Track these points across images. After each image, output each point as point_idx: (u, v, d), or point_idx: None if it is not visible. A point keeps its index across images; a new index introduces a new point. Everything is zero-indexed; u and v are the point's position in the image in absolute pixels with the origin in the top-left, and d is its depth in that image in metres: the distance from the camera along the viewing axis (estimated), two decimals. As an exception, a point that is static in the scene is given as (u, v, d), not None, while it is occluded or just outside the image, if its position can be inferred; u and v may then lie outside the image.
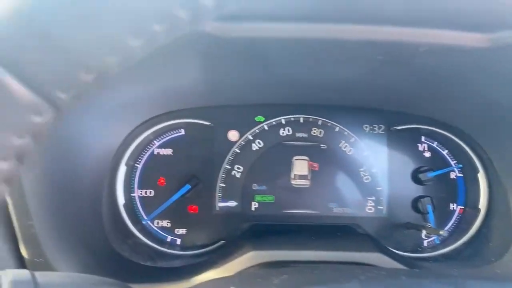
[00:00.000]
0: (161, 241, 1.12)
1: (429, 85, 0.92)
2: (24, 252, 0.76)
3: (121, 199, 1.10)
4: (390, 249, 1.02)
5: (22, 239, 0.75)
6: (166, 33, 0.32)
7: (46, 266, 0.76)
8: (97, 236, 0.95)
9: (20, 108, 0.30)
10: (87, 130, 0.89)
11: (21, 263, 0.76)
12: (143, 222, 1.13)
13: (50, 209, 0.79)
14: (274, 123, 1.17)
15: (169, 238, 1.13)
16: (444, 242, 1.16)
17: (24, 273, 0.55)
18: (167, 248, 1.11)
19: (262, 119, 1.17)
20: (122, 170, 1.10)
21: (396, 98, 1.07)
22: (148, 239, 1.11)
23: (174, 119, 1.13)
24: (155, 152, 1.14)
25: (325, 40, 0.65)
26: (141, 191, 1.13)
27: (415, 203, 1.17)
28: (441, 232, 1.03)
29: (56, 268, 0.77)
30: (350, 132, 1.17)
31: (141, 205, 1.13)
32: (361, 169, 1.17)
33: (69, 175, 0.86)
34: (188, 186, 1.11)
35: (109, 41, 0.31)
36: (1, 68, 0.29)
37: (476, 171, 1.16)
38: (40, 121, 0.32)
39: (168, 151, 1.15)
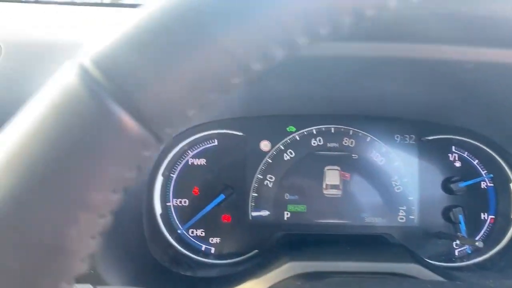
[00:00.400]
0: (196, 250, 1.14)
1: (466, 98, 0.93)
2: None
3: (158, 209, 1.12)
4: (425, 259, 1.03)
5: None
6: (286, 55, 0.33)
7: (95, 278, 0.78)
8: (140, 247, 0.97)
9: (134, 144, 0.32)
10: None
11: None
12: (179, 232, 1.14)
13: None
14: (305, 133, 1.18)
15: (203, 247, 1.15)
16: (476, 251, 1.17)
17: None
18: (202, 257, 1.13)
19: (294, 129, 1.18)
20: (159, 181, 1.12)
21: (429, 109, 1.08)
22: (184, 248, 1.12)
23: (207, 130, 1.15)
24: (190, 162, 1.16)
25: (375, 58, 0.67)
26: (176, 201, 1.15)
27: (446, 213, 1.17)
28: (477, 244, 1.03)
29: (105, 280, 0.79)
30: (381, 142, 1.18)
31: (176, 214, 1.14)
32: (393, 179, 1.18)
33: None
34: (222, 196, 1.13)
35: (217, 80, 0.32)
36: (119, 106, 0.31)
37: (508, 180, 1.16)
38: (147, 154, 0.34)
39: (201, 161, 1.16)
